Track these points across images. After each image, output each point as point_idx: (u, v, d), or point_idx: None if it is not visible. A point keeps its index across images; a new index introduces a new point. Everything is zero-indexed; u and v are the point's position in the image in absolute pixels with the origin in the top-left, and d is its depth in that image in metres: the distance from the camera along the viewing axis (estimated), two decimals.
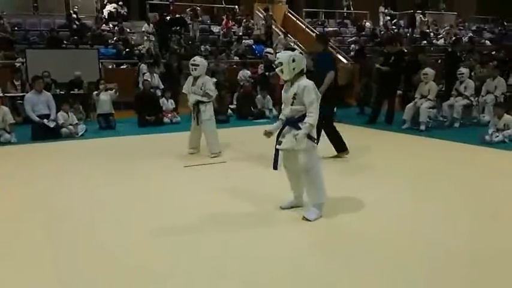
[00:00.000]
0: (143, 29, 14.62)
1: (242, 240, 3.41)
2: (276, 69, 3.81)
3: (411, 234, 3.48)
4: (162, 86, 10.58)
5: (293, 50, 3.91)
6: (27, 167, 5.92)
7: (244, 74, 12.07)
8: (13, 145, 7.38)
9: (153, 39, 14.28)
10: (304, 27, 17.43)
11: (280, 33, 16.52)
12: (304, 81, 3.72)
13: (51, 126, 7.88)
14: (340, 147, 6.02)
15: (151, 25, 14.65)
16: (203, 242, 3.38)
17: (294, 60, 3.69)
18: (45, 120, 7.88)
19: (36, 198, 4.53)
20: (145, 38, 14.34)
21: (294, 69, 3.70)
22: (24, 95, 8.81)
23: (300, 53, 3.85)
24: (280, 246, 3.30)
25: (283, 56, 3.77)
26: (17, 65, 11.40)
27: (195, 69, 6.18)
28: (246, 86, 11.22)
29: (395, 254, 3.14)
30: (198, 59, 6.34)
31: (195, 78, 6.25)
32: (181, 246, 3.29)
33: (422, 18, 19.83)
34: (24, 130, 7.90)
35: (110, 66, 12.82)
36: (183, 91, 6.58)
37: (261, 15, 17.57)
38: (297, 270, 2.93)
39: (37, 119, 7.90)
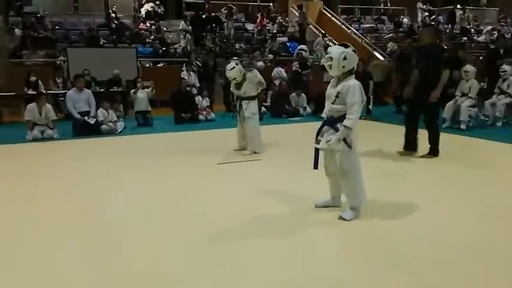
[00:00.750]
0: (180, 27, 14.80)
1: (276, 239, 3.39)
2: (325, 64, 3.65)
3: (450, 241, 3.35)
4: (198, 84, 10.70)
5: (346, 46, 3.66)
6: (68, 161, 6.13)
7: (279, 71, 12.04)
8: (55, 140, 7.65)
9: (190, 37, 14.44)
10: (339, 24, 17.21)
11: (315, 31, 16.39)
12: (351, 81, 3.58)
13: (92, 122, 8.11)
14: (411, 146, 5.99)
15: (188, 23, 14.81)
16: (235, 242, 3.37)
17: (345, 58, 3.54)
18: (85, 117, 8.12)
19: (74, 190, 4.67)
20: (182, 36, 14.51)
21: (343, 67, 3.56)
22: (65, 92, 9.11)
23: (353, 51, 3.64)
24: (315, 246, 3.26)
25: (335, 51, 3.59)
26: (59, 63, 11.79)
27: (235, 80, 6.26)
28: (283, 84, 11.20)
29: (431, 260, 3.04)
30: (230, 66, 6.34)
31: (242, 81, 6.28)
32: (212, 246, 3.28)
33: (463, 14, 19.21)
34: (66, 126, 8.17)
35: (147, 65, 13.06)
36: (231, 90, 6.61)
37: (296, 13, 17.47)
38: (332, 270, 2.90)
39: (78, 115, 8.16)
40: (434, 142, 5.95)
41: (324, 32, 16.37)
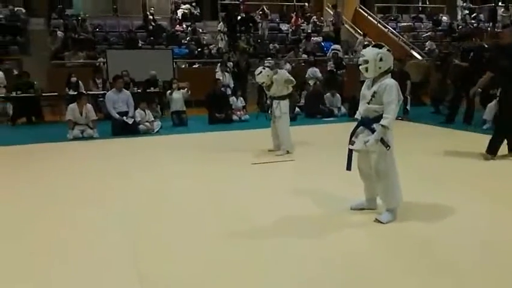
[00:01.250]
0: (218, 28, 14.90)
1: (310, 241, 3.37)
2: (360, 67, 3.59)
3: (488, 248, 3.23)
4: (232, 85, 10.78)
5: (381, 46, 3.58)
6: (108, 159, 6.32)
7: (313, 71, 11.98)
8: (95, 140, 7.89)
9: (226, 38, 14.54)
10: (376, 22, 16.93)
11: (351, 30, 16.18)
12: (388, 80, 3.52)
13: (130, 122, 8.31)
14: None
15: (225, 24, 14.91)
16: (269, 241, 3.37)
17: (381, 59, 3.47)
18: (124, 117, 8.34)
19: (110, 185, 4.81)
20: (219, 37, 14.58)
21: (380, 68, 3.50)
22: (105, 93, 9.37)
23: (388, 50, 3.55)
24: (350, 248, 3.22)
25: (370, 53, 3.51)
26: (98, 64, 12.15)
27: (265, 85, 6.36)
28: (317, 84, 11.15)
29: (467, 264, 2.96)
30: (257, 71, 6.45)
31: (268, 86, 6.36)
32: (245, 247, 3.28)
33: (505, 12, 18.50)
34: (105, 126, 8.42)
35: (183, 66, 13.28)
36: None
37: (331, 12, 17.32)
38: (368, 273, 2.86)
39: (117, 116, 8.38)
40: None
41: (360, 31, 16.15)
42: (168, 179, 5.21)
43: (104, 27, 15.45)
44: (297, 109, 10.63)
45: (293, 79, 6.40)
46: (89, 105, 8.37)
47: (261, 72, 6.33)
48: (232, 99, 10.15)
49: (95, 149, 7.23)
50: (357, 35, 16.18)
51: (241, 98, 10.27)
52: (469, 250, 3.16)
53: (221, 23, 15.03)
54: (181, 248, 3.29)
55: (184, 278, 2.85)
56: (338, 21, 16.12)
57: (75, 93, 9.37)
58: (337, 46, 13.88)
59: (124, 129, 8.27)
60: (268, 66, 7.39)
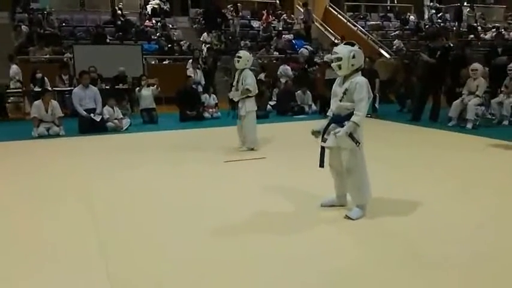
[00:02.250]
0: (201, 39, 14.38)
1: (281, 238, 3.38)
2: (334, 64, 3.63)
3: (457, 238, 3.34)
4: (203, 82, 10.67)
5: (353, 44, 3.64)
6: (74, 158, 6.16)
7: (284, 69, 12.03)
8: (62, 137, 7.68)
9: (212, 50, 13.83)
10: (345, 21, 17.14)
11: (321, 28, 16.31)
12: (358, 78, 3.58)
13: (97, 120, 8.13)
14: None
15: (210, 35, 14.47)
16: (240, 238, 3.37)
17: (354, 57, 3.53)
18: (91, 114, 8.15)
19: (80, 185, 4.69)
20: (204, 48, 13.94)
21: (353, 65, 3.55)
22: (71, 89, 9.12)
23: (359, 48, 3.61)
24: (320, 245, 3.25)
25: (343, 50, 3.56)
26: (65, 60, 11.82)
27: (238, 61, 6.24)
28: (288, 83, 11.21)
29: (437, 256, 3.04)
30: (241, 52, 6.43)
31: (239, 73, 6.30)
32: (219, 246, 3.27)
33: (470, 12, 19.08)
34: (72, 123, 8.20)
35: (153, 62, 13.07)
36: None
37: (301, 10, 17.45)
38: (337, 269, 2.89)
39: (84, 113, 8.18)
40: None
41: (330, 29, 16.33)
42: (138, 178, 5.13)
43: (71, 21, 15.06)
44: (269, 107, 10.66)
45: (251, 89, 6.21)
46: (55, 102, 8.13)
47: (240, 55, 6.25)
48: (205, 96, 10.08)
49: (61, 147, 7.04)
50: (327, 33, 16.32)
51: (214, 95, 10.20)
52: (438, 242, 3.24)
53: (205, 33, 14.48)
54: (151, 247, 3.24)
55: (153, 276, 2.81)
56: (309, 19, 16.23)
57: (40, 89, 9.09)
58: (307, 45, 14.02)
59: (91, 126, 8.07)
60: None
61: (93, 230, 3.57)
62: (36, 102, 7.94)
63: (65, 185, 4.87)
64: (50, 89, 9.22)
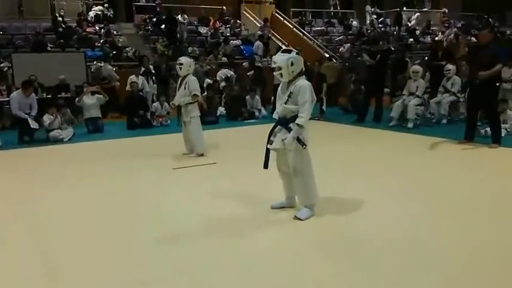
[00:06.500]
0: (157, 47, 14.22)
1: (232, 241, 3.38)
2: (275, 73, 3.73)
3: (400, 234, 3.47)
4: (147, 89, 10.36)
5: (290, 51, 3.76)
6: (12, 171, 5.86)
7: (223, 72, 12.10)
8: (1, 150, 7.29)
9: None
10: (291, 27, 17.44)
11: (270, 35, 16.42)
12: (302, 82, 3.67)
13: (35, 127, 7.83)
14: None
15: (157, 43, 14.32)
16: (192, 245, 3.34)
17: (292, 64, 3.62)
18: (27, 117, 7.86)
19: (23, 202, 4.47)
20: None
21: (293, 71, 3.65)
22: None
23: (297, 53, 3.73)
24: (270, 246, 3.28)
25: (280, 59, 3.67)
26: (5, 69, 11.23)
27: (180, 68, 6.20)
28: (237, 88, 11.31)
29: (385, 253, 3.14)
30: (182, 59, 6.38)
31: (182, 79, 6.26)
32: (168, 252, 3.23)
33: (409, 16, 19.97)
34: (11, 136, 7.83)
35: (92, 69, 12.58)
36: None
37: (248, 15, 17.58)
38: (288, 269, 2.92)
39: (24, 115, 7.90)
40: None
41: (277, 34, 16.53)
42: (82, 189, 4.95)
43: (9, 29, 14.35)
44: (221, 111, 10.65)
45: (199, 93, 6.31)
46: None
47: (182, 61, 6.21)
48: (156, 105, 9.88)
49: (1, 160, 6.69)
50: (274, 38, 16.47)
51: (166, 104, 9.94)
52: (386, 239, 3.34)
53: (159, 45, 14.26)
54: (102, 257, 3.14)
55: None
56: (267, 33, 16.29)
57: None
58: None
59: (32, 136, 7.79)
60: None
61: (34, 246, 3.41)
62: None
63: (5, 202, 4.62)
64: None
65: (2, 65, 11.64)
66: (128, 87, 9.97)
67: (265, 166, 3.84)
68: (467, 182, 4.85)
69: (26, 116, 7.87)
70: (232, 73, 12.28)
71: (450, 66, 8.89)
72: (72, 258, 3.18)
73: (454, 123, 8.66)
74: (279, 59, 3.69)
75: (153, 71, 10.80)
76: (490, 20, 18.11)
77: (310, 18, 19.92)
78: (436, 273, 2.81)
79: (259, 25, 16.99)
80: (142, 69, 10.75)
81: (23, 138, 7.84)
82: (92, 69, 11.81)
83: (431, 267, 2.89)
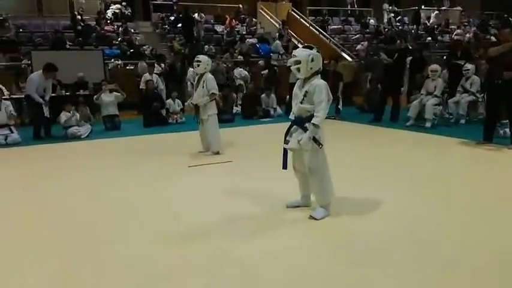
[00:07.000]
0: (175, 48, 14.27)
1: (247, 240, 3.38)
2: (292, 67, 3.69)
3: (417, 235, 3.43)
4: (162, 87, 10.45)
5: (311, 48, 3.70)
6: (33, 167, 5.98)
7: (238, 72, 12.12)
8: (18, 146, 7.42)
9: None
10: (308, 25, 17.39)
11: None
12: (318, 81, 3.64)
13: (46, 111, 8.00)
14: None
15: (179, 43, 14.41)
16: (204, 243, 3.35)
17: (312, 60, 3.59)
18: (43, 105, 7.96)
19: (38, 196, 4.56)
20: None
21: (311, 68, 3.62)
22: None
23: (318, 51, 3.67)
24: (286, 246, 3.27)
25: (302, 53, 3.62)
26: (23, 66, 11.44)
27: (198, 65, 6.25)
28: (252, 86, 11.29)
29: (402, 255, 3.11)
30: (200, 56, 6.41)
31: (200, 78, 6.29)
32: (181, 248, 3.26)
33: (428, 15, 19.74)
34: (29, 132, 7.99)
35: (110, 67, 12.73)
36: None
37: (264, 14, 17.57)
38: (303, 269, 2.91)
39: (39, 98, 7.93)
40: None
41: (294, 33, 16.51)
42: (101, 183, 5.02)
43: (29, 27, 14.60)
44: (237, 109, 10.68)
45: (217, 92, 6.33)
46: (7, 102, 8.01)
47: (200, 59, 6.25)
48: (170, 102, 9.97)
49: (20, 156, 6.80)
50: (292, 39, 16.45)
51: (179, 101, 10.07)
52: (400, 240, 3.31)
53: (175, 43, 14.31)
54: (115, 253, 3.18)
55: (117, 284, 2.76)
56: (286, 37, 16.31)
57: None
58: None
59: (47, 131, 8.06)
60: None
61: (53, 234, 3.47)
62: None
63: (24, 195, 4.71)
64: (7, 96, 8.93)
65: (21, 62, 11.87)
66: (142, 86, 10.10)
67: (284, 167, 3.84)
68: (491, 184, 4.76)
69: (41, 100, 7.92)
70: (247, 73, 12.28)
71: (469, 66, 8.78)
72: (83, 251, 3.24)
73: (473, 123, 8.53)
74: (300, 52, 3.66)
75: (168, 68, 10.92)
76: (510, 19, 17.83)
77: (326, 16, 19.84)
78: (459, 274, 2.78)
79: (275, 23, 17.00)
80: (160, 69, 10.86)
81: (39, 134, 7.98)
82: (110, 67, 11.96)
83: (452, 268, 2.85)
